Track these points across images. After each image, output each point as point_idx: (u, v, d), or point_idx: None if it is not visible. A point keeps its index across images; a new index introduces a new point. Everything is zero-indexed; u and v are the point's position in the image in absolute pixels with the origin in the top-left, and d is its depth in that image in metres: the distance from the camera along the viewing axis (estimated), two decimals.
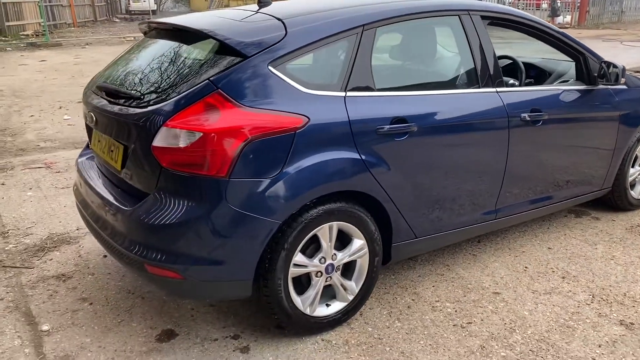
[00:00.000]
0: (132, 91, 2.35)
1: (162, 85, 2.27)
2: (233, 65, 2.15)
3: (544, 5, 21.87)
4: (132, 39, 17.38)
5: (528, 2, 23.00)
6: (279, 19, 2.34)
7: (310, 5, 2.65)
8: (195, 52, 2.42)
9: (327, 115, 2.25)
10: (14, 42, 15.45)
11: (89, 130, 2.74)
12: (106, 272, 2.98)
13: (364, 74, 2.39)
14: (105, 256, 3.14)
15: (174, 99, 2.12)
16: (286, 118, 2.14)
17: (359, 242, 2.42)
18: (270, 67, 2.18)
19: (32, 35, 17.30)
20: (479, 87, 2.75)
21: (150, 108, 2.15)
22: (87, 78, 9.68)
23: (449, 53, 2.96)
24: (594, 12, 22.31)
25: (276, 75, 2.18)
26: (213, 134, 2.02)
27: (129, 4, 31.66)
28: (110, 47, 15.14)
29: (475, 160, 2.75)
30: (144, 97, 2.25)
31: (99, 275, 2.95)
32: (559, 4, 20.23)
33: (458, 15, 2.74)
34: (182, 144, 2.04)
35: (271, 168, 2.12)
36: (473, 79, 2.76)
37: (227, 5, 33.59)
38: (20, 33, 17.24)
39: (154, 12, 22.10)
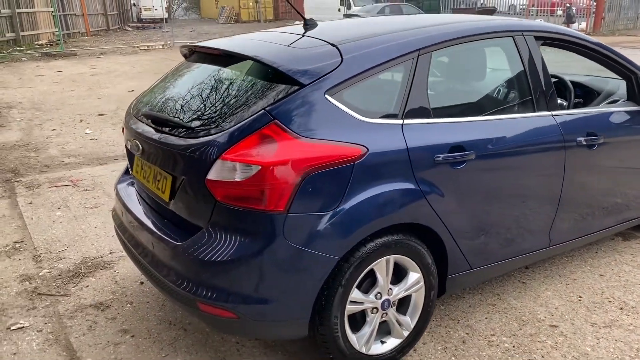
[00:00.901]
0: (182, 120, 2.26)
1: (213, 114, 2.18)
2: (288, 94, 2.06)
3: (559, 12, 21.68)
4: (146, 48, 17.44)
5: (541, 9, 22.83)
6: (333, 45, 2.25)
7: (360, 28, 2.56)
8: (243, 80, 2.33)
9: (385, 145, 2.14)
10: (29, 52, 15.51)
11: (130, 156, 2.66)
12: (144, 300, 2.89)
13: (421, 99, 2.29)
14: (142, 283, 3.05)
15: (228, 130, 2.02)
16: (345, 149, 2.04)
17: (415, 276, 2.32)
18: (327, 96, 2.08)
19: (47, 44, 17.37)
20: (534, 111, 2.64)
21: (203, 139, 2.06)
22: (104, 89, 9.72)
23: (504, 76, 2.85)
24: (610, 19, 22.04)
25: (333, 104, 2.09)
26: (271, 167, 1.93)
27: (141, 12, 31.90)
28: (125, 57, 15.16)
29: (531, 186, 2.64)
30: (194, 127, 2.16)
31: (137, 304, 2.87)
32: (574, 11, 20.03)
33: (512, 37, 2.64)
34: (238, 178, 1.95)
35: (330, 201, 2.02)
36: (528, 102, 2.65)
37: (238, 14, 33.76)
38: (35, 43, 17.32)
39: (165, 20, 22.14)
